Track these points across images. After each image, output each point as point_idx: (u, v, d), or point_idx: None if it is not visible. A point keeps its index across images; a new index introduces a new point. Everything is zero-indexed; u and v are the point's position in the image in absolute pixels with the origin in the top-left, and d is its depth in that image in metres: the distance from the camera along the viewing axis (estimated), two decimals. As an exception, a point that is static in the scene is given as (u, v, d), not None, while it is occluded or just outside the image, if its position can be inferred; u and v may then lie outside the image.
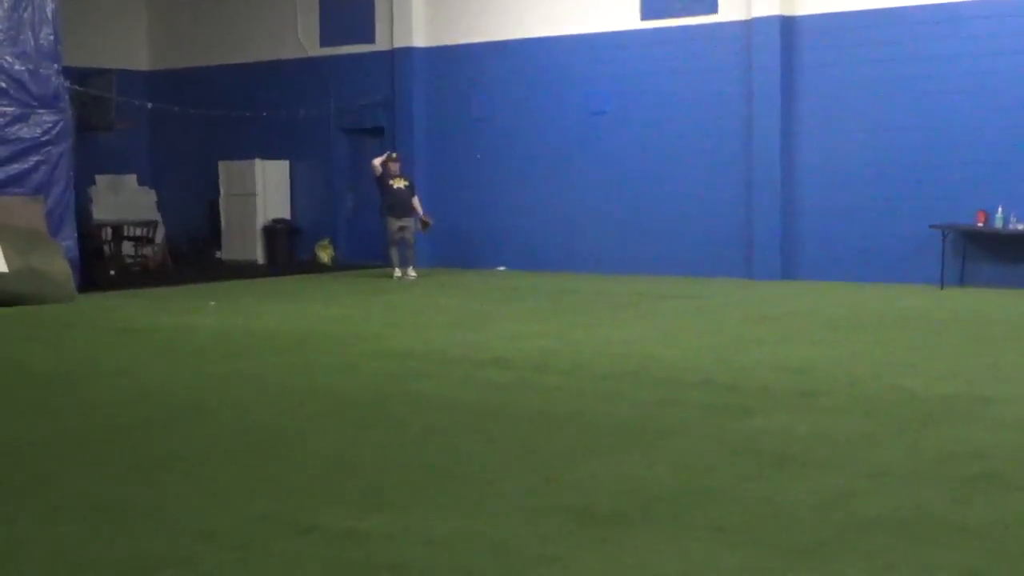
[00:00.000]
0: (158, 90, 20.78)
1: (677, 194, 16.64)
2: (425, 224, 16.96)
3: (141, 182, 20.81)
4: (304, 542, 4.48)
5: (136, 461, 5.88)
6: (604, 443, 6.14)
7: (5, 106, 14.22)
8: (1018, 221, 14.19)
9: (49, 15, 14.58)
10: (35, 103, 14.48)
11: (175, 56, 21.43)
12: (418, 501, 5.05)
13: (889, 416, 6.73)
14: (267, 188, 20.03)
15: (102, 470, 5.73)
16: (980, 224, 14.39)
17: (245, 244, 20.01)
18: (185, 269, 18.35)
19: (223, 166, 20.26)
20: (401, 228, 16.61)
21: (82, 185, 17.65)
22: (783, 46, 15.68)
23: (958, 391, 7.51)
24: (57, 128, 14.65)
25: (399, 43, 18.87)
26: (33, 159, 14.42)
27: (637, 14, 16.93)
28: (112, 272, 16.90)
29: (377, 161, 16.88)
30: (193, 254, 20.32)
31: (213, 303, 13.42)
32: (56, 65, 14.71)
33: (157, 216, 19.64)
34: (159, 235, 19.06)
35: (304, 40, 19.97)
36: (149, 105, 19.62)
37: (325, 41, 19.78)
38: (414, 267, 16.72)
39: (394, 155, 17.12)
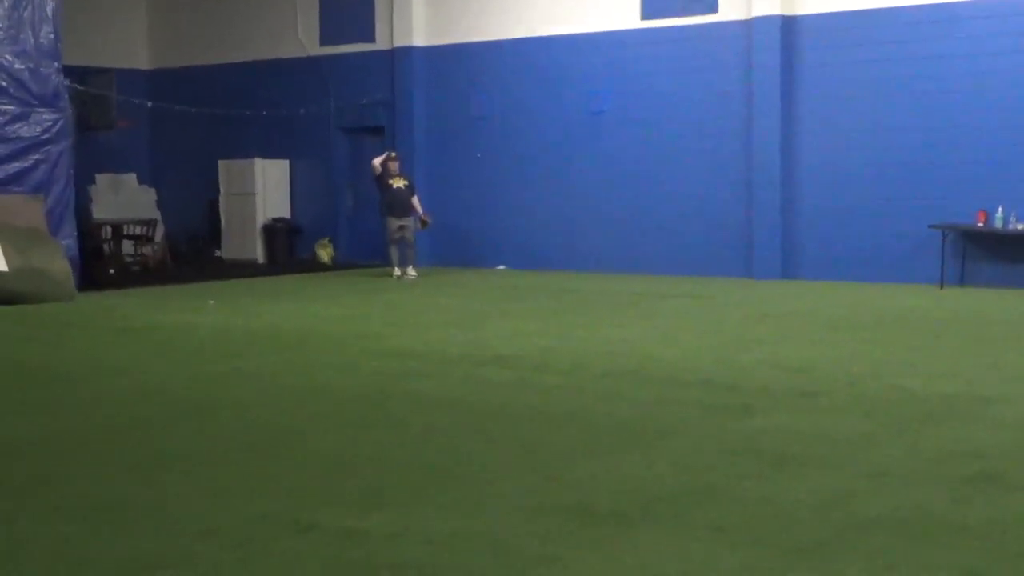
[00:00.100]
0: (158, 89, 20.78)
1: (677, 194, 16.64)
2: (424, 223, 16.97)
3: (141, 181, 20.80)
4: (304, 541, 4.48)
5: (136, 460, 5.88)
6: (604, 442, 6.14)
7: (5, 105, 14.21)
8: (1018, 221, 14.19)
9: (49, 13, 14.57)
10: (35, 102, 14.48)
11: (175, 55, 21.43)
12: (418, 500, 5.05)
13: (889, 416, 6.73)
14: (267, 187, 20.03)
15: (102, 469, 5.73)
16: (980, 224, 14.39)
17: (245, 243, 20.00)
18: (185, 268, 18.35)
19: (223, 165, 20.26)
20: (401, 227, 16.61)
21: (82, 184, 17.63)
22: (783, 46, 15.67)
23: (958, 391, 7.51)
24: (57, 127, 14.65)
25: (399, 42, 18.87)
26: (33, 158, 14.42)
27: (637, 13, 16.92)
28: (112, 271, 16.89)
29: (377, 161, 16.89)
30: (193, 253, 20.33)
31: (213, 302, 13.42)
32: (56, 64, 14.71)
33: (157, 215, 19.64)
34: (159, 234, 19.06)
35: (304, 39, 19.97)
36: (149, 104, 19.63)
37: (325, 40, 19.78)
38: (414, 266, 16.72)
39: (393, 154, 17.12)
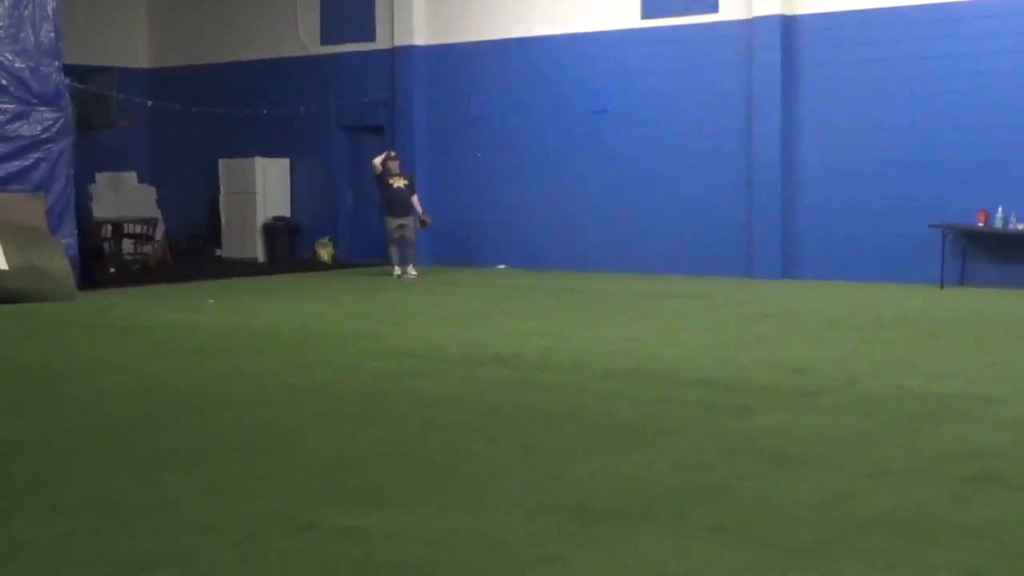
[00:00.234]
0: (158, 88, 20.78)
1: (677, 193, 16.64)
2: (423, 223, 16.97)
3: (141, 179, 20.80)
4: (304, 540, 4.48)
5: (136, 459, 5.88)
6: (604, 442, 6.14)
7: (5, 103, 14.21)
8: (1018, 221, 14.19)
9: (50, 12, 14.57)
10: (35, 100, 14.48)
11: (176, 54, 21.43)
12: (418, 499, 5.05)
13: (889, 416, 6.73)
14: (267, 186, 20.03)
15: (102, 468, 5.73)
16: (980, 224, 14.39)
17: (245, 242, 20.00)
18: (185, 267, 18.35)
19: (223, 164, 20.25)
20: (400, 227, 16.61)
21: (82, 182, 17.63)
22: (783, 45, 15.67)
23: (958, 391, 7.51)
24: (57, 125, 14.65)
25: (399, 41, 18.87)
26: (33, 156, 14.42)
27: (638, 13, 16.92)
28: (112, 270, 16.89)
29: (377, 160, 16.89)
30: (193, 252, 20.33)
31: (213, 301, 13.42)
32: (57, 62, 14.71)
33: (157, 214, 19.63)
34: (159, 233, 19.06)
35: (304, 38, 19.97)
36: (149, 103, 19.63)
37: (325, 39, 19.78)
38: (414, 265, 16.72)
39: (393, 154, 17.12)
